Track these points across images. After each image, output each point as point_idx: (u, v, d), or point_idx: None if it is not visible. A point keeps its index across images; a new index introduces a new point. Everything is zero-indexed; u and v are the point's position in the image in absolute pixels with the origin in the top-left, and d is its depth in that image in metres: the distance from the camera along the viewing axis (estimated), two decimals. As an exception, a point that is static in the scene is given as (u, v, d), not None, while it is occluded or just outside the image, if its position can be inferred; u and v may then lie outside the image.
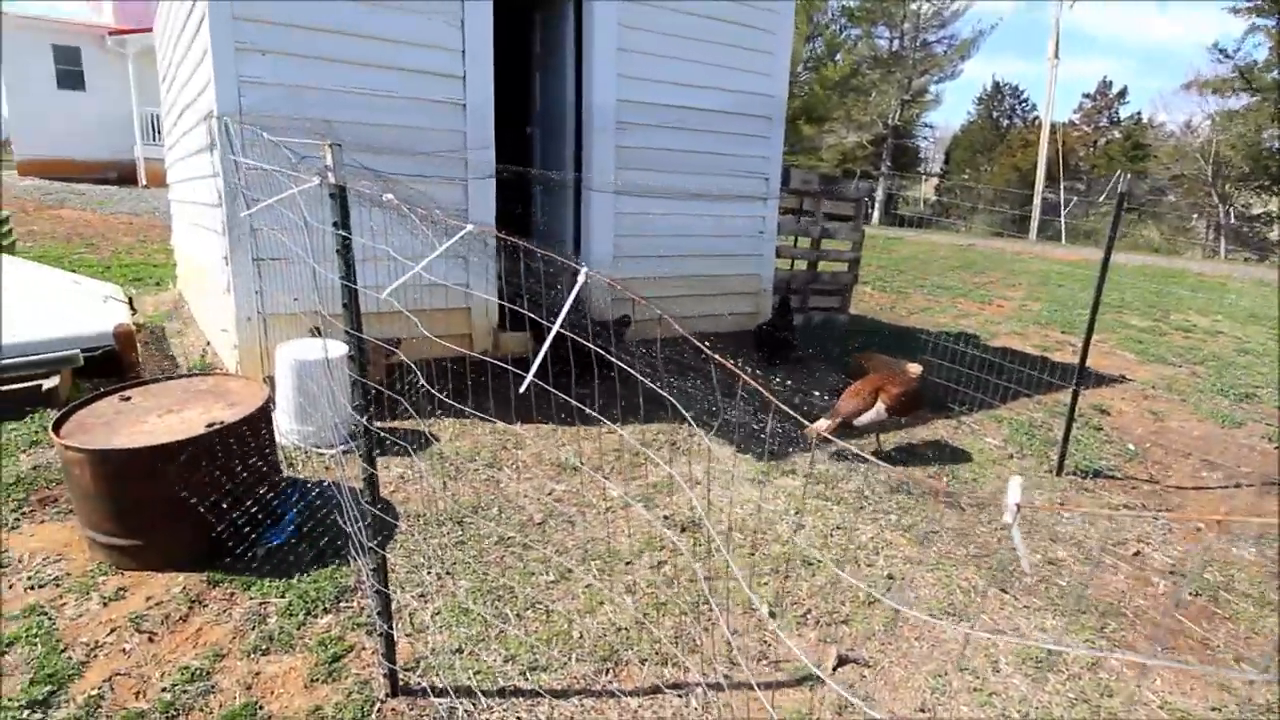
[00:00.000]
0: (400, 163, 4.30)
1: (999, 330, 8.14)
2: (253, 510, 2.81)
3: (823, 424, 3.85)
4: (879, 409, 3.88)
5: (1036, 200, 28.70)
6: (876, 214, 30.46)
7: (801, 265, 7.19)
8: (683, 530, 3.20)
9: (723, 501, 3.47)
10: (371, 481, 2.10)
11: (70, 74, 18.81)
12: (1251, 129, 18.09)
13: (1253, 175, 30.67)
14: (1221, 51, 19.04)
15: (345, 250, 1.94)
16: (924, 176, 41.96)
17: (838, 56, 34.70)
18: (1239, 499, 4.00)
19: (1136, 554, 3.32)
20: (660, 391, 1.78)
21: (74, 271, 7.71)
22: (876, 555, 3.09)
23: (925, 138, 42.15)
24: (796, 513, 3.41)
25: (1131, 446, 4.64)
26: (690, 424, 4.28)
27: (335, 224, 1.93)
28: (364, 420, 2.06)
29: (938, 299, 10.29)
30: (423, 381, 2.15)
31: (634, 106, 5.18)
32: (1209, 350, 7.64)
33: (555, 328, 1.22)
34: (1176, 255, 22.57)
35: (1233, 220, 30.37)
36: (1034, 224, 28.57)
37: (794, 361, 5.86)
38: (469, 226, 1.57)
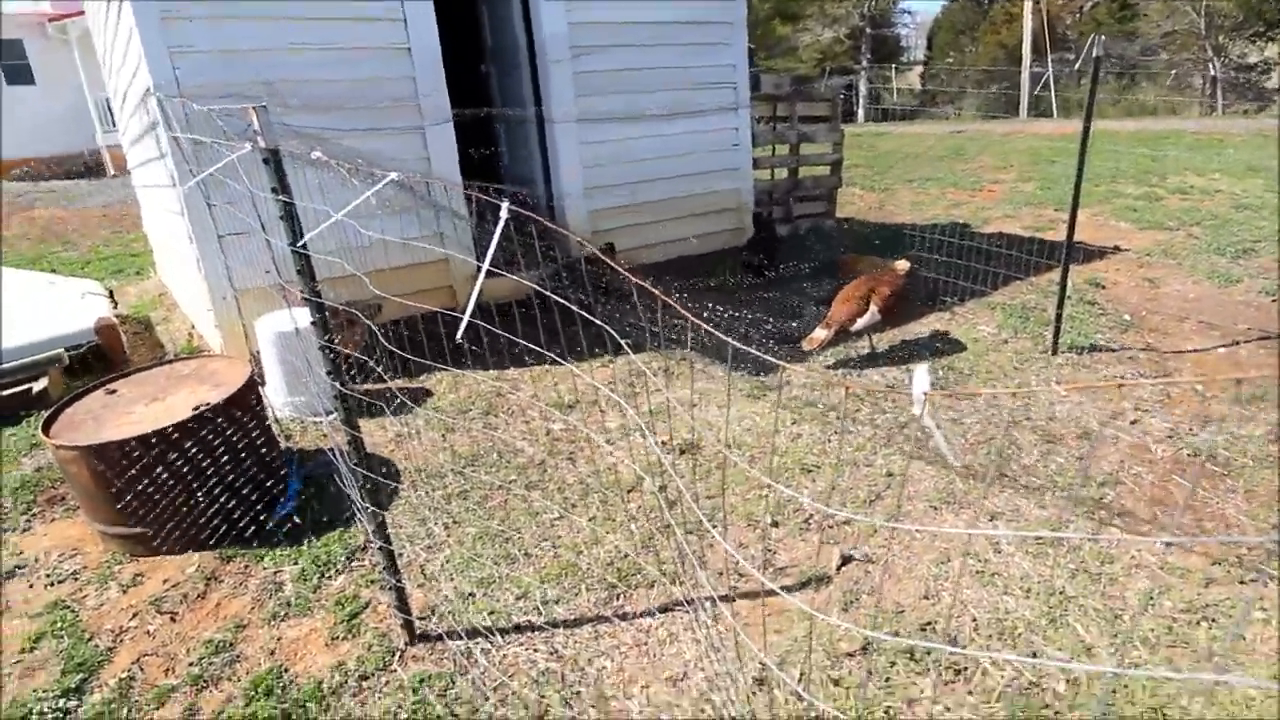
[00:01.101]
0: (352, 117, 4.17)
1: (991, 216, 7.99)
2: (256, 484, 2.84)
3: (819, 334, 3.83)
4: (872, 312, 3.85)
5: (1024, 75, 27.78)
6: (861, 111, 29.62)
7: (783, 173, 7.02)
8: (682, 453, 3.22)
9: (720, 421, 3.49)
10: (356, 444, 2.10)
11: (17, 69, 18.19)
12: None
13: (1246, 22, 29.48)
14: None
15: (289, 215, 1.89)
16: (907, 65, 40.50)
17: (806, -52, 33.04)
18: (1238, 357, 3.98)
19: (1134, 422, 3.33)
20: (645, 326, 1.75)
21: (53, 272, 7.63)
22: (875, 455, 3.11)
23: (905, 25, 40.52)
24: (793, 423, 3.42)
25: (1127, 316, 4.61)
26: (682, 349, 4.28)
27: (274, 190, 1.88)
28: (336, 385, 2.05)
29: (927, 191, 10.08)
30: (382, 341, 2.12)
31: (587, 28, 4.95)
32: (1206, 210, 7.49)
33: (484, 267, 1.18)
34: (1174, 116, 21.92)
35: (1230, 72, 29.35)
36: (1023, 101, 27.75)
37: (782, 274, 5.79)
38: (392, 175, 1.51)
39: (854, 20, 33.24)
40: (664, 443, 3.30)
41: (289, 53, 3.97)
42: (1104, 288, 5.19)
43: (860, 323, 3.86)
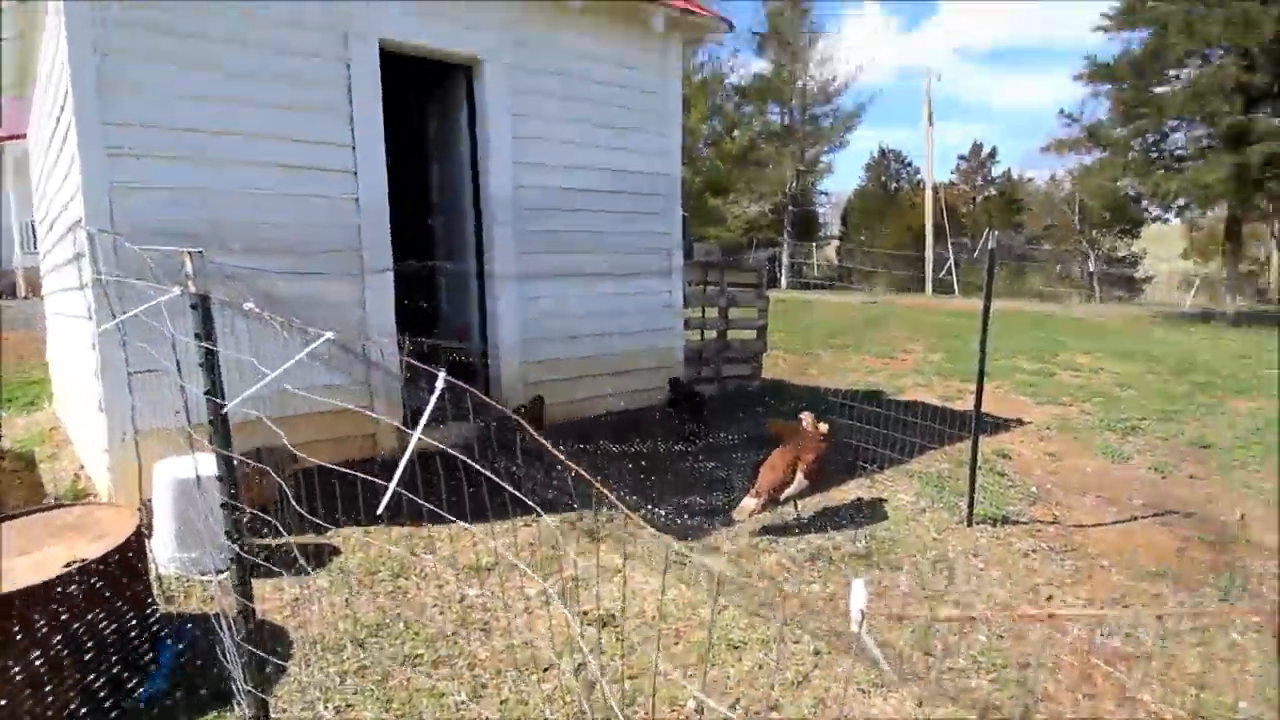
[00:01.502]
0: (294, 261, 4.18)
1: (904, 384, 8.45)
2: (126, 654, 2.52)
3: (749, 503, 3.82)
4: (799, 479, 3.90)
5: (928, 256, 30.57)
6: (784, 279, 31.70)
7: (713, 335, 7.32)
8: (604, 625, 3.06)
9: (645, 590, 3.37)
10: (247, 615, 1.92)
11: (-60, 186, 17.73)
12: (1107, 180, 20.11)
13: (1114, 221, 33.77)
14: (1069, 116, 21.23)
15: (209, 363, 1.82)
16: (825, 240, 44.12)
17: (735, 132, 36.60)
18: (1134, 531, 4.18)
19: (1049, 599, 3.38)
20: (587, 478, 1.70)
21: (-68, 395, 7.06)
22: (801, 630, 3.03)
23: (822, 204, 44.57)
24: (718, 594, 3.32)
25: (1034, 489, 4.82)
26: (608, 511, 4.19)
27: (197, 335, 1.82)
28: (235, 546, 1.90)
29: (846, 357, 10.65)
30: (291, 498, 2.00)
31: (532, 191, 5.24)
32: (1094, 387, 8.14)
33: (415, 434, 1.15)
34: (1056, 301, 24.30)
35: (1103, 265, 33.11)
36: (928, 279, 30.34)
37: (709, 439, 5.87)
38: (328, 334, 1.49)
39: (778, 197, 36.36)
40: (585, 613, 3.14)
41: (238, 195, 4.01)
42: (1010, 459, 5.45)
43: (788, 491, 3.89)
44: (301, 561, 3.31)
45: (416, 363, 1.95)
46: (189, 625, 2.95)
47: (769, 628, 3.04)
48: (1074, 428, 6.35)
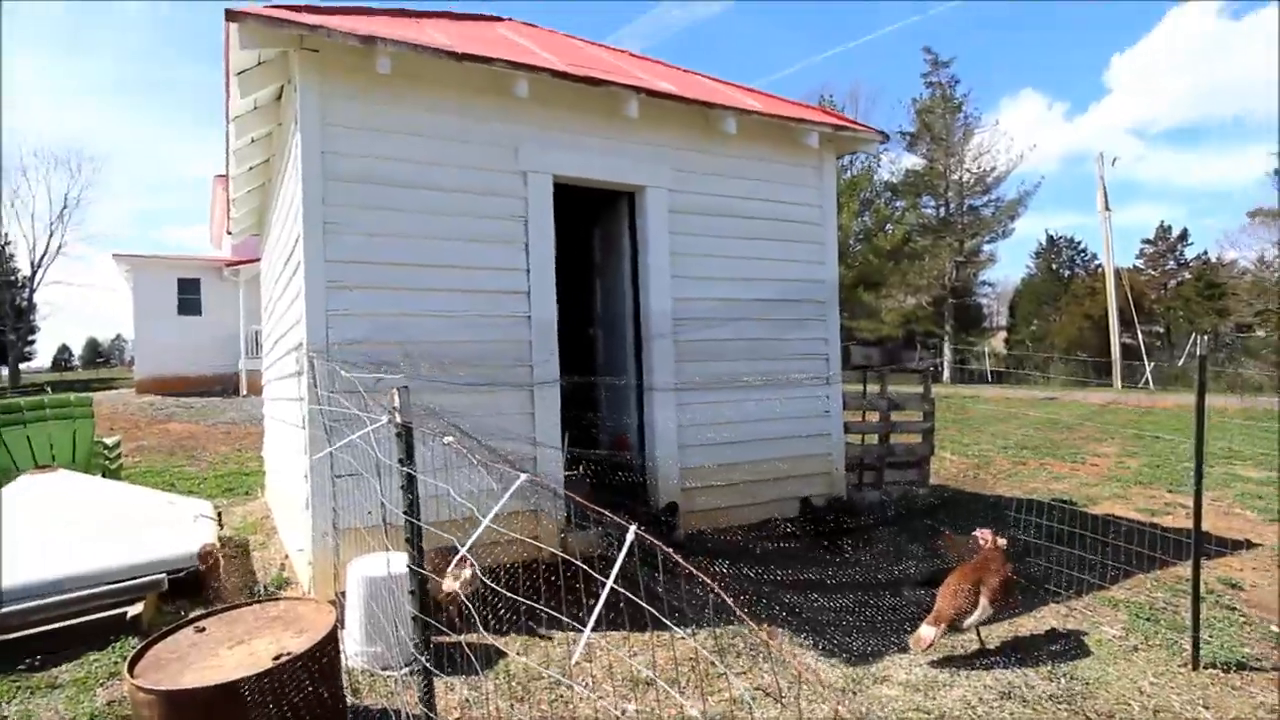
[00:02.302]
0: (471, 374, 4.55)
1: (1097, 494, 7.59)
2: (315, 748, 2.70)
3: (926, 632, 3.53)
4: (983, 605, 3.56)
5: (1114, 345, 27.87)
6: (947, 372, 30.03)
7: (874, 439, 7.02)
8: (768, 757, 2.89)
9: (812, 719, 3.16)
10: (430, 726, 2.00)
11: (190, 302, 21.24)
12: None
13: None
14: (1280, 179, 19.02)
15: (409, 487, 2.00)
16: (990, 331, 41.63)
17: (888, 227, 36.08)
18: None
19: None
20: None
21: (173, 484, 8.20)
22: (996, 785, 2.69)
23: (985, 295, 42.31)
24: (896, 731, 3.05)
25: (1275, 628, 4.07)
26: (770, 626, 4.02)
27: (400, 461, 2.01)
28: (422, 659, 2.01)
29: (1024, 461, 9.78)
30: (468, 608, 2.10)
31: (690, 304, 5.43)
32: (1345, 503, 6.88)
33: (597, 608, 1.19)
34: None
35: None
36: (1116, 371, 27.54)
37: (868, 539, 5.54)
38: (522, 477, 1.60)
39: (936, 289, 35.00)
40: (749, 741, 2.99)
41: (426, 317, 4.49)
42: (1240, 589, 4.68)
43: (970, 619, 3.56)
44: (474, 661, 3.44)
45: (589, 500, 2.03)
46: (375, 718, 3.11)
47: (955, 778, 2.73)
48: (1322, 553, 5.36)
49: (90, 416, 7.19)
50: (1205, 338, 3.75)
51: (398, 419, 1.99)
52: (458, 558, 3.79)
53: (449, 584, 3.72)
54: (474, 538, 1.70)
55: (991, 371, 32.18)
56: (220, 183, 22.85)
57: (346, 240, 4.33)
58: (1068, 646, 3.84)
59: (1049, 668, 3.60)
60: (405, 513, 1.99)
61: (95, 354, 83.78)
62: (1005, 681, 3.47)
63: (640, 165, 5.32)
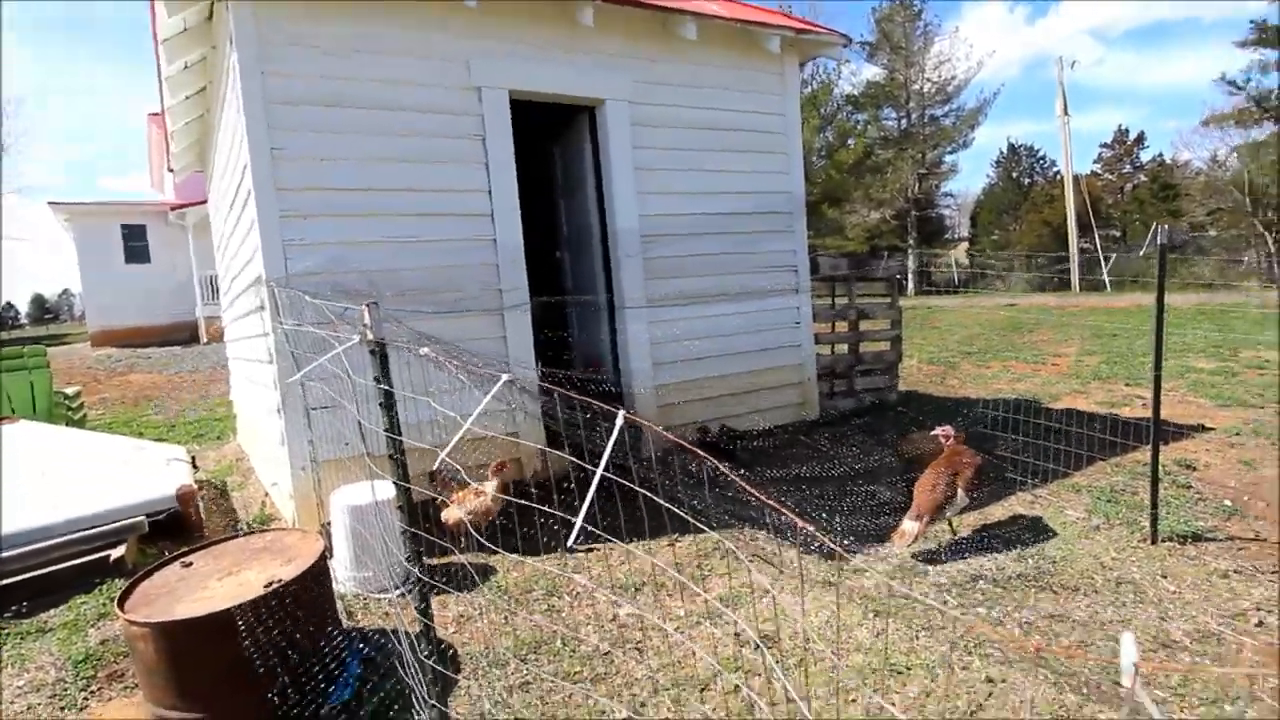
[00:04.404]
0: (437, 300, 4.46)
1: (1059, 391, 7.84)
2: (314, 668, 2.75)
3: (909, 526, 3.65)
4: (960, 496, 3.70)
5: (1073, 250, 28.34)
6: (911, 285, 30.38)
7: (844, 349, 7.12)
8: (756, 647, 3.02)
9: (795, 612, 3.29)
10: (429, 636, 2.04)
11: (137, 249, 20.40)
12: (1281, 155, 17.91)
13: (1292, 197, 30.00)
14: (1231, 83, 19.09)
15: (389, 404, 1.97)
16: (952, 242, 42.01)
17: (850, 141, 35.69)
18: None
19: (1259, 624, 3.01)
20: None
21: (141, 434, 8.05)
22: (970, 655, 2.86)
23: (947, 206, 42.46)
24: (875, 615, 3.20)
25: (1228, 502, 4.31)
26: (752, 529, 4.15)
27: (376, 379, 1.97)
28: (417, 571, 2.02)
29: (988, 364, 10.04)
30: (471, 530, 2.11)
31: (657, 219, 5.35)
32: (1290, 386, 7.21)
33: (598, 472, 1.19)
34: (1231, 289, 21.83)
35: (1283, 247, 29.45)
36: (1074, 276, 28.11)
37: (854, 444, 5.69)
38: (505, 377, 1.58)
39: (899, 202, 35.01)
40: (737, 634, 3.11)
41: (387, 244, 4.35)
42: (1195, 469, 4.92)
43: (949, 510, 3.70)
44: (464, 579, 3.50)
45: (571, 393, 2.02)
46: (370, 639, 3.17)
47: (933, 653, 2.89)
48: (1269, 432, 5.64)
49: (46, 367, 6.96)
50: (1165, 227, 3.80)
51: (369, 335, 1.94)
52: (475, 487, 3.84)
53: (454, 511, 3.77)
54: (457, 438, 1.68)
55: (955, 280, 32.62)
56: (155, 121, 21.60)
57: (296, 167, 4.14)
58: (1034, 530, 4.03)
59: (1017, 551, 3.79)
60: (386, 430, 1.96)
61: (43, 310, 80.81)
62: (976, 565, 3.64)
63: (599, 77, 5.12)
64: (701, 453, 1.46)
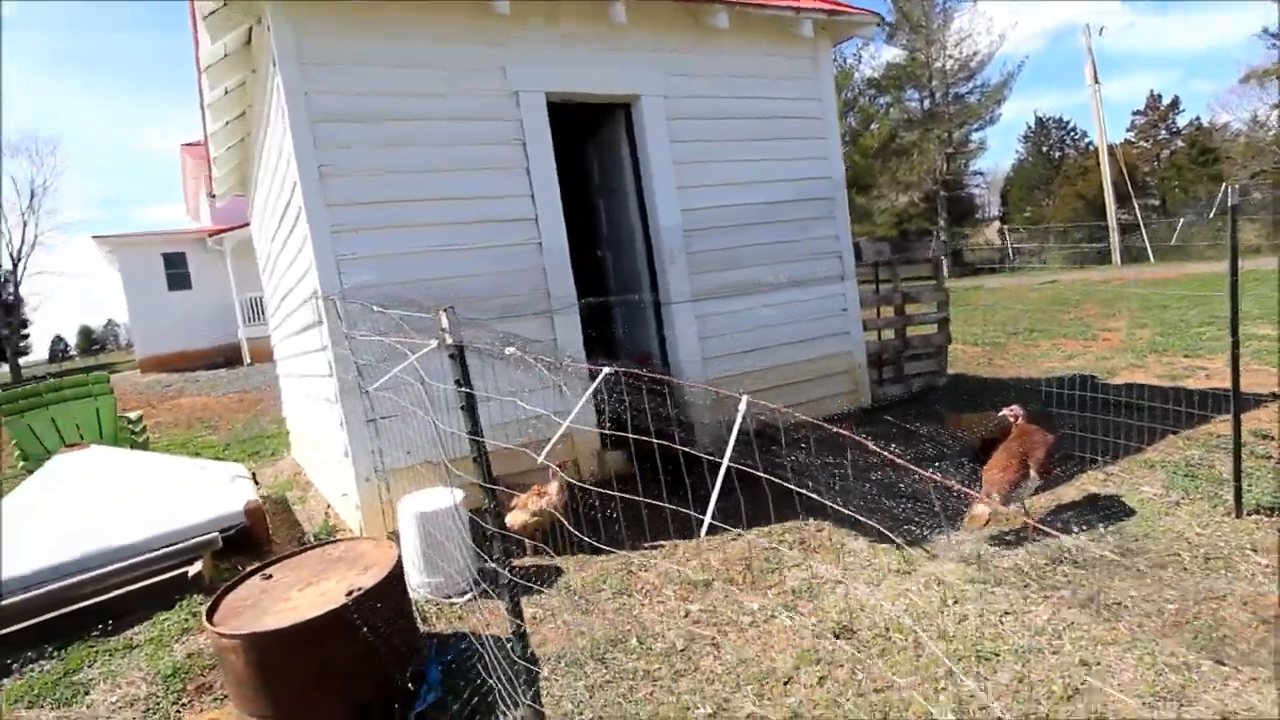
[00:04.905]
0: (489, 307, 4.48)
1: (1114, 366, 7.64)
2: (398, 671, 2.77)
3: (981, 510, 3.57)
4: (1033, 477, 3.61)
5: (1111, 223, 27.62)
6: (945, 266, 29.87)
7: (891, 334, 7.02)
8: (836, 638, 2.98)
9: (871, 601, 3.24)
10: (522, 637, 2.04)
11: (178, 276, 20.94)
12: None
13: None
14: (1274, 36, 18.37)
15: (470, 407, 1.98)
16: (984, 221, 41.23)
17: (873, 125, 35.24)
18: None
19: (1365, 597, 2.88)
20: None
21: (199, 454, 8.25)
22: (1060, 639, 2.78)
23: (977, 185, 41.68)
24: (954, 602, 3.13)
25: (1313, 472, 4.15)
26: (818, 519, 4.10)
27: (457, 382, 1.98)
28: (506, 573, 2.02)
29: (1036, 343, 9.82)
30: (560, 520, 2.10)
31: (698, 213, 5.32)
32: (1362, 349, 6.93)
33: (725, 463, 1.17)
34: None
35: (1336, 206, 28.33)
36: (1115, 248, 27.38)
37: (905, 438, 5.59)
38: (606, 369, 1.57)
39: (927, 184, 34.45)
40: (814, 625, 3.07)
41: (435, 253, 4.39)
42: (1272, 439, 4.74)
43: (1020, 492, 3.62)
44: (533, 581, 3.52)
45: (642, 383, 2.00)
46: (447, 643, 3.19)
47: (1020, 638, 2.82)
48: (1346, 397, 5.42)
49: (110, 393, 7.16)
50: (1235, 188, 3.66)
51: (449, 340, 1.95)
52: (538, 488, 3.87)
53: (519, 515, 3.79)
54: (557, 435, 1.68)
55: (991, 263, 31.99)
56: (188, 152, 22.16)
57: (344, 183, 4.19)
58: (1111, 509, 3.91)
59: (1096, 530, 3.68)
60: (470, 434, 1.97)
61: (90, 341, 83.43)
62: (1055, 547, 3.55)
63: (633, 73, 5.11)
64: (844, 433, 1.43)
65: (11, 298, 38.56)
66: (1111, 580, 3.19)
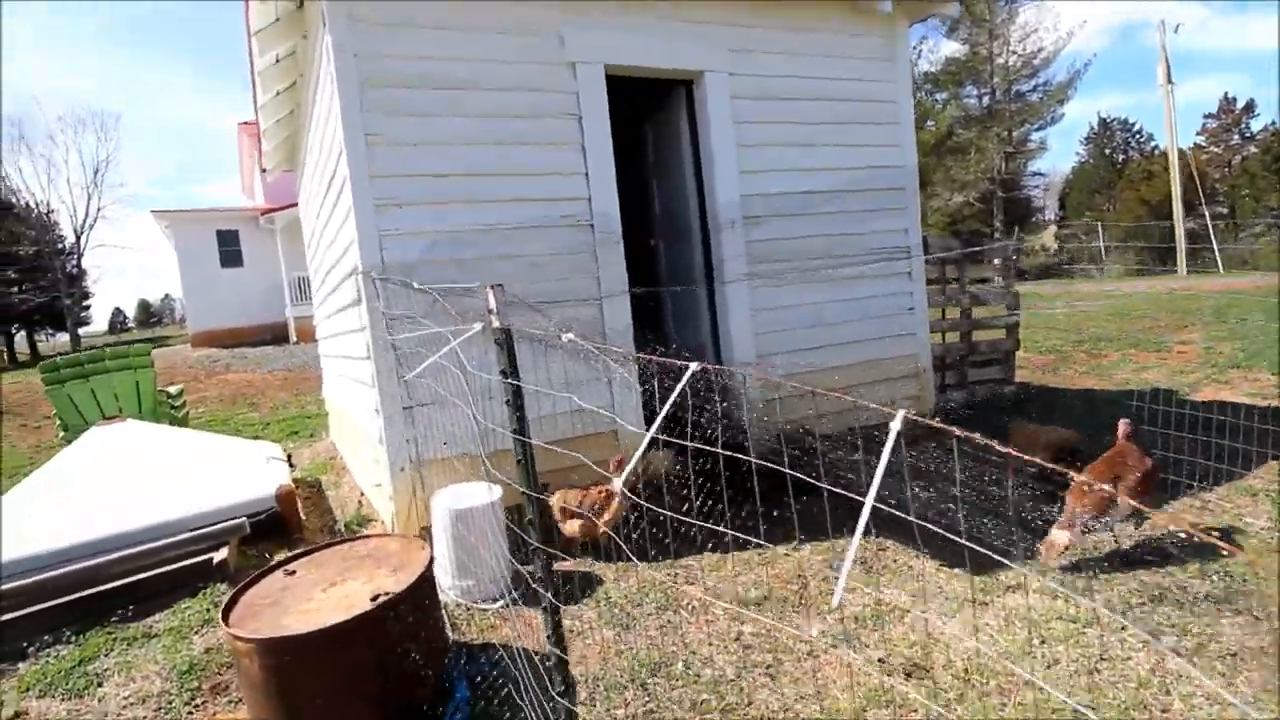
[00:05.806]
0: (536, 291, 4.23)
1: (1194, 380, 7.09)
2: (424, 687, 2.55)
3: (1059, 537, 3.22)
4: (1123, 504, 3.23)
5: (1179, 230, 26.31)
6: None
7: (955, 337, 6.60)
8: (907, 676, 2.66)
9: (944, 633, 2.91)
10: (563, 668, 1.78)
11: (230, 253, 21.28)
12: None
13: None
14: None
15: (517, 401, 1.71)
16: (1040, 225, 39.79)
17: (930, 122, 34.18)
18: None
19: None
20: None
21: (239, 431, 8.22)
22: (1168, 695, 2.42)
23: (1035, 186, 40.22)
24: (1041, 642, 2.79)
25: None
26: (881, 536, 3.76)
27: (503, 372, 1.72)
28: (548, 596, 1.76)
29: (1104, 354, 9.25)
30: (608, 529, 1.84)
31: (760, 200, 4.99)
32: None
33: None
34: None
35: None
36: (1181, 256, 26.08)
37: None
38: (694, 365, 1.29)
39: (984, 184, 33.34)
40: (882, 660, 2.76)
41: (481, 231, 4.15)
42: (1393, 471, 4.25)
43: (1107, 519, 3.24)
44: (570, 589, 3.26)
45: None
46: (477, 655, 2.96)
47: (1121, 690, 2.47)
48: None
49: (150, 366, 7.14)
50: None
51: (495, 323, 1.68)
52: (603, 487, 3.63)
53: (573, 525, 3.56)
54: (650, 436, 1.41)
55: (1048, 267, 30.77)
56: (245, 130, 22.47)
57: (391, 153, 3.97)
58: (1212, 543, 3.50)
59: (1197, 565, 3.29)
60: (515, 433, 1.70)
61: (148, 314, 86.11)
62: (1152, 584, 3.17)
63: (697, 47, 4.78)
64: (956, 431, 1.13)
65: (75, 269, 39.79)
66: (1218, 625, 2.81)
